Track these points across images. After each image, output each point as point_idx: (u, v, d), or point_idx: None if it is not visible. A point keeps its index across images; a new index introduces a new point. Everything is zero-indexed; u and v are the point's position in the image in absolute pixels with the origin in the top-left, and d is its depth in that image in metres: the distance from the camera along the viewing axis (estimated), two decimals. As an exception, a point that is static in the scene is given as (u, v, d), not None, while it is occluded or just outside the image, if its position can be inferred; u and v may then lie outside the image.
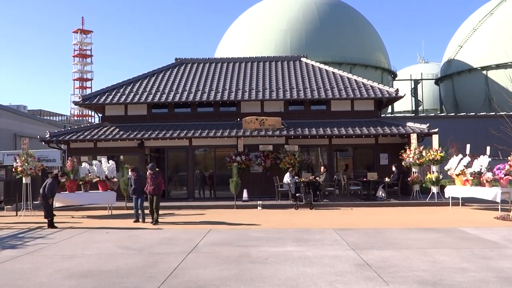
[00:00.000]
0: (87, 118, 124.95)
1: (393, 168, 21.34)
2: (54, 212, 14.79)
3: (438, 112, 56.40)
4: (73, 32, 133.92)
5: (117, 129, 22.75)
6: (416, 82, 63.76)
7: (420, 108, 61.89)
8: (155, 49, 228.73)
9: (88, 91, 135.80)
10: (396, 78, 61.13)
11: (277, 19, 50.90)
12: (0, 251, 10.49)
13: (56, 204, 15.87)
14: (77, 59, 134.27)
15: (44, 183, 14.94)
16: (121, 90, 24.25)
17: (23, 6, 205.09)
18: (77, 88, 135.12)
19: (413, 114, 50.25)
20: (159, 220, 14.91)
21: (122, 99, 23.42)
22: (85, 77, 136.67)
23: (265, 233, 12.66)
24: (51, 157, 24.59)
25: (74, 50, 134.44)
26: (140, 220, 15.16)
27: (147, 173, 15.30)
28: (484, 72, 45.22)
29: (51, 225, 14.22)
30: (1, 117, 36.86)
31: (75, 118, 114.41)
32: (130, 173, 15.89)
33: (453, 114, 35.00)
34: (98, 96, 23.65)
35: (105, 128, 23.00)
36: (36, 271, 8.43)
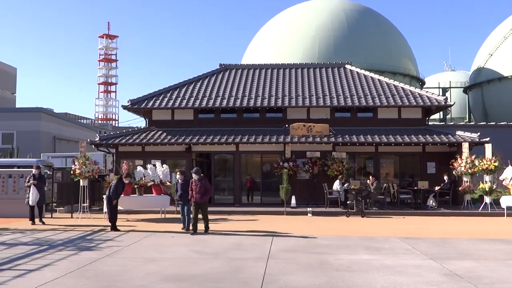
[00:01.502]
0: (111, 122, 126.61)
1: (445, 177, 21.10)
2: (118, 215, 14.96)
3: (466, 121, 55.64)
4: (99, 37, 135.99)
5: (165, 134, 22.96)
6: (445, 90, 63.07)
7: (448, 116, 61.20)
8: (181, 54, 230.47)
9: (113, 95, 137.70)
10: (424, 86, 60.54)
11: (305, 26, 50.87)
12: (78, 252, 10.65)
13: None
14: (102, 64, 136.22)
15: (109, 185, 15.19)
16: (168, 95, 24.49)
17: (50, 8, 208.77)
18: (102, 92, 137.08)
19: (442, 123, 49.69)
20: (210, 226, 14.54)
21: (170, 104, 23.64)
22: (109, 81, 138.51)
23: (331, 240, 12.61)
24: (94, 159, 24.97)
25: (100, 55, 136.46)
26: (190, 227, 14.03)
27: (193, 179, 13.96)
28: None
29: (113, 228, 14.38)
30: (41, 120, 37.54)
31: (99, 121, 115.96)
32: (177, 176, 15.15)
33: (496, 123, 34.42)
34: (146, 101, 23.92)
35: (153, 133, 23.23)
36: (127, 273, 8.53)
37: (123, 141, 22.27)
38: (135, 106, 23.62)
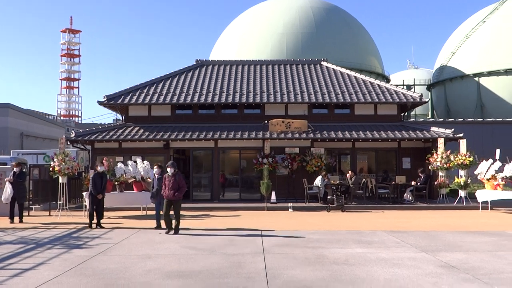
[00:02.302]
0: (73, 119, 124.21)
1: (419, 172, 21.55)
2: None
3: (429, 117, 56.91)
4: (61, 31, 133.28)
5: (142, 130, 22.68)
6: (409, 87, 64.26)
7: (412, 113, 62.38)
8: (145, 49, 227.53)
9: (76, 91, 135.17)
10: (389, 83, 61.59)
11: (273, 22, 50.90)
12: (69, 250, 10.42)
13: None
14: (65, 59, 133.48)
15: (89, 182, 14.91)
16: (145, 90, 24.17)
17: (9, 2, 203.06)
18: (64, 88, 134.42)
19: (412, 119, 50.65)
20: (193, 223, 14.37)
21: (147, 99, 23.35)
22: (72, 77, 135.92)
23: (320, 235, 12.71)
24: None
25: (62, 50, 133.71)
26: (163, 225, 13.35)
27: (166, 174, 13.01)
28: (476, 79, 45.71)
29: (98, 225, 14.13)
30: (9, 116, 36.54)
31: (62, 118, 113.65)
32: (154, 170, 14.38)
33: (470, 120, 35.33)
34: (123, 96, 23.55)
35: (130, 129, 22.90)
36: (127, 271, 8.39)
37: (100, 137, 21.87)
38: (111, 102, 23.22)
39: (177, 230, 12.85)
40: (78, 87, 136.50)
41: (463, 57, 47.72)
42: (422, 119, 43.55)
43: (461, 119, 35.35)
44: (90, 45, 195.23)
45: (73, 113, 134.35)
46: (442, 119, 36.59)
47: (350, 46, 51.63)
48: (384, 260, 9.33)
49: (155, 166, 14.50)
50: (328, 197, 19.48)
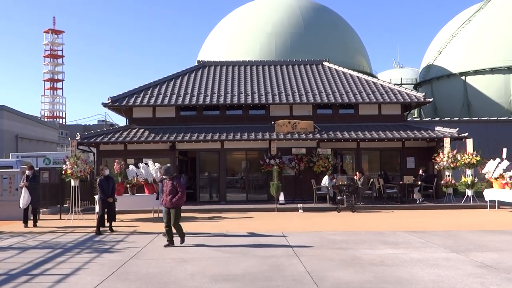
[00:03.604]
0: (58, 120, 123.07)
1: (422, 172, 21.76)
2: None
3: (415, 116, 57.40)
4: (44, 32, 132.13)
5: (147, 132, 22.57)
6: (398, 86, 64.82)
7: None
8: (130, 51, 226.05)
9: (59, 92, 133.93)
10: (381, 83, 61.99)
11: (262, 22, 50.82)
12: (99, 254, 10.34)
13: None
14: (48, 60, 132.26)
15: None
16: (149, 92, 24.06)
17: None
18: (48, 89, 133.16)
19: (418, 118, 51.09)
20: (200, 229, 14.04)
21: (152, 101, 23.24)
22: (56, 77, 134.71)
23: (342, 236, 12.76)
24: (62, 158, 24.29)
25: (45, 51, 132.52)
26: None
27: (164, 179, 11.82)
28: (463, 77, 46.24)
29: (111, 229, 13.98)
30: (3, 118, 36.11)
31: (46, 119, 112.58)
32: (159, 174, 14.13)
33: (471, 118, 35.75)
34: (127, 98, 23.42)
35: (134, 130, 22.79)
36: (170, 275, 8.33)
37: (106, 139, 21.73)
38: (115, 104, 23.06)
39: (171, 242, 11.39)
40: (62, 88, 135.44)
41: (450, 56, 48.22)
42: (436, 118, 43.85)
43: (475, 118, 35.71)
44: (74, 45, 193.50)
45: (57, 114, 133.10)
46: (448, 118, 36.75)
47: (338, 46, 51.83)
48: (419, 261, 9.40)
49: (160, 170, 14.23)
50: (338, 197, 19.57)
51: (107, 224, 14.15)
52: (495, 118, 36.99)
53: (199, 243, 11.72)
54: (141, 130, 22.73)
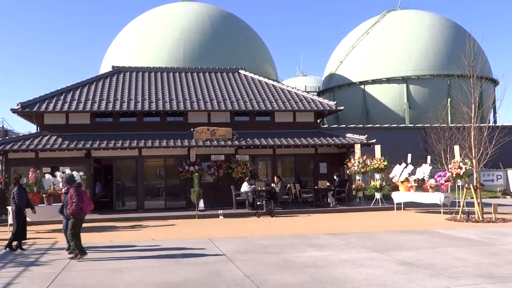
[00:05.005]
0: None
1: (335, 176, 22.88)
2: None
3: (320, 123, 60.06)
4: None
5: (60, 139, 21.72)
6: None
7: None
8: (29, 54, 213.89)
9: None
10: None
11: (170, 27, 50.40)
12: (26, 267, 9.92)
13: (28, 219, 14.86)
14: None
15: (12, 193, 13.60)
16: (61, 97, 23.15)
17: None
18: None
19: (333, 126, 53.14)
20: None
21: (65, 107, 22.39)
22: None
23: (269, 240, 13.19)
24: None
25: None
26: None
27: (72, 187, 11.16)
28: (362, 86, 49.25)
29: (18, 245, 12.54)
30: None
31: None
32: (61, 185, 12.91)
33: (377, 126, 37.86)
34: (38, 104, 22.36)
35: (47, 138, 21.84)
36: (110, 286, 8.24)
37: (15, 147, 20.61)
38: (26, 110, 21.95)
39: (72, 251, 10.96)
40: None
41: (350, 65, 51.09)
42: (351, 125, 45.76)
43: (378, 125, 37.85)
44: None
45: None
46: (353, 125, 38.76)
47: (246, 53, 52.76)
48: (347, 261, 10.01)
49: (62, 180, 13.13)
50: (258, 203, 20.05)
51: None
52: (395, 125, 39.69)
53: (128, 252, 11.60)
54: (54, 137, 21.83)
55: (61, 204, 12.24)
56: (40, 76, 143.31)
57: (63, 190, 12.62)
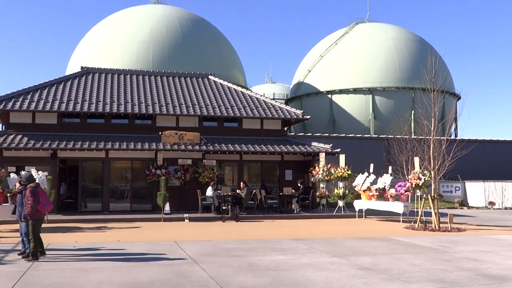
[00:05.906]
0: None
1: (299, 184, 23.40)
2: None
3: (287, 131, 60.87)
4: None
5: (26, 138, 21.57)
6: (270, 102, 68.12)
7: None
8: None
9: None
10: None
11: (139, 30, 50.12)
12: (-9, 267, 9.98)
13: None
14: None
15: None
16: (28, 96, 22.98)
17: None
18: None
19: (293, 134, 53.78)
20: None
21: (32, 106, 22.24)
22: None
23: (233, 244, 13.50)
24: None
25: None
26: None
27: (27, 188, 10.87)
28: (329, 95, 50.30)
29: None
30: None
31: None
32: (17, 184, 12.46)
33: (342, 135, 38.66)
34: (4, 102, 22.15)
35: (11, 136, 21.65)
36: (76, 285, 8.41)
37: (-21, 145, 20.39)
38: (-8, 107, 21.73)
39: (29, 255, 10.79)
40: None
41: (318, 75, 52.07)
42: (318, 134, 46.50)
43: (343, 135, 38.62)
44: None
45: None
46: (319, 134, 39.39)
47: (215, 58, 53.02)
48: (308, 265, 10.42)
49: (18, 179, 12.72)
50: (223, 207, 20.35)
51: None
52: (360, 135, 40.62)
53: (94, 253, 11.74)
54: (19, 136, 21.66)
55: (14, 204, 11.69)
56: (5, 75, 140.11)
57: (17, 189, 11.96)
